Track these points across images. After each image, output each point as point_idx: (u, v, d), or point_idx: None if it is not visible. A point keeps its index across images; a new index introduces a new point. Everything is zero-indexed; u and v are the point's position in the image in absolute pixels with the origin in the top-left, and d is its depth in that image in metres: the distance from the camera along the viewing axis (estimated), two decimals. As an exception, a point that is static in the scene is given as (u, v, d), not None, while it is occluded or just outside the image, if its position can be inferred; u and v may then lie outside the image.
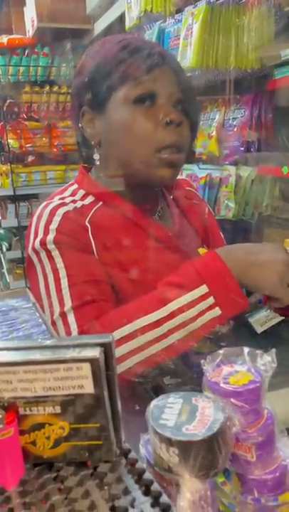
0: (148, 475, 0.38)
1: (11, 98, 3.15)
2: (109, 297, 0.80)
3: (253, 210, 1.60)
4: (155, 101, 0.81)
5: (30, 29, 3.21)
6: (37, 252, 0.82)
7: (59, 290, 0.78)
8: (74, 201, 0.88)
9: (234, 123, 1.63)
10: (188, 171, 1.80)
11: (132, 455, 0.41)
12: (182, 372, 0.68)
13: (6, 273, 3.64)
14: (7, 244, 3.50)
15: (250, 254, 0.74)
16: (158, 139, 0.80)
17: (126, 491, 0.37)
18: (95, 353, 0.37)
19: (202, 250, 0.98)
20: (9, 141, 3.14)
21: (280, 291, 0.73)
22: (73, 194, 0.91)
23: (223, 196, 1.68)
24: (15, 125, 3.19)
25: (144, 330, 0.69)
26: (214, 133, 1.70)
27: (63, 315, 0.75)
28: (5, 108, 3.17)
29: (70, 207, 0.86)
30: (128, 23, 2.06)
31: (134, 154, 0.82)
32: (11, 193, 3.20)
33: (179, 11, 1.71)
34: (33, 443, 0.40)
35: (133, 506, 0.36)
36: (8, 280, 3.56)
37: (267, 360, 0.50)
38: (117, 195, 0.89)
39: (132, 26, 2.04)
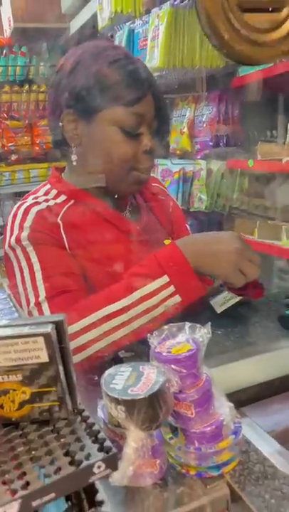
0: (97, 427, 0.47)
1: (-9, 98, 3.19)
2: (81, 287, 0.88)
3: (224, 202, 1.69)
4: (139, 129, 0.89)
5: (7, 28, 3.25)
6: (13, 249, 0.90)
7: (34, 282, 0.86)
8: (47, 200, 0.96)
9: (203, 119, 1.71)
10: (163, 166, 1.88)
11: (85, 414, 0.49)
12: (135, 346, 0.76)
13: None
14: (-7, 243, 3.56)
15: (205, 245, 0.83)
16: (135, 163, 0.90)
17: (78, 440, 0.46)
18: (48, 328, 0.45)
19: (168, 241, 1.06)
20: (-9, 141, 3.20)
21: (233, 276, 0.81)
22: (46, 193, 0.98)
23: (196, 189, 1.77)
24: (-4, 125, 3.24)
25: (111, 316, 0.77)
26: (186, 129, 1.78)
27: (38, 305, 0.82)
28: (-14, 108, 3.22)
29: (43, 205, 0.93)
30: (100, 24, 2.12)
31: (110, 171, 0.91)
32: (-5, 192, 3.27)
33: (148, 11, 1.77)
34: (1, 406, 0.48)
35: (83, 450, 0.44)
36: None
37: (203, 332, 0.58)
38: (88, 193, 0.97)
39: (104, 26, 2.10)
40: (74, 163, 0.94)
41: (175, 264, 0.80)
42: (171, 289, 0.79)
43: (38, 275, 0.86)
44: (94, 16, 2.30)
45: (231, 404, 0.59)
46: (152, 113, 0.91)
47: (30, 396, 0.48)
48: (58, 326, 0.47)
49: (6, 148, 3.22)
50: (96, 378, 0.61)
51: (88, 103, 0.87)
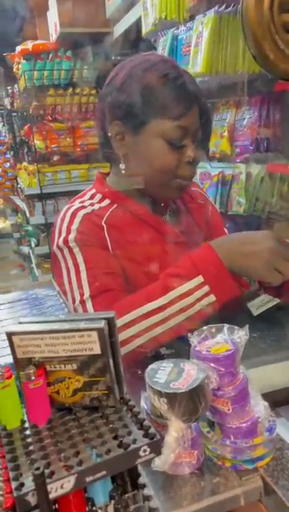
0: (142, 416, 0.51)
1: (37, 101, 3.31)
2: (122, 287, 0.93)
3: (263, 206, 1.70)
4: (183, 141, 0.92)
5: (53, 33, 3.36)
6: (61, 249, 0.96)
7: (79, 281, 0.92)
8: (92, 204, 1.02)
9: (244, 123, 1.72)
10: (202, 169, 1.91)
11: (131, 403, 0.54)
12: (176, 345, 0.80)
13: (34, 267, 3.83)
14: (35, 240, 3.69)
15: (239, 245, 0.85)
16: (178, 172, 0.94)
17: (125, 426, 0.50)
18: (101, 324, 0.50)
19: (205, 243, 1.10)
20: (35, 142, 3.32)
21: (268, 275, 0.83)
22: (92, 197, 1.04)
23: (234, 193, 1.79)
24: (40, 127, 3.36)
25: (150, 314, 0.81)
26: (226, 133, 1.80)
27: (83, 302, 0.88)
28: (31, 111, 3.34)
29: (89, 209, 0.99)
30: (144, 29, 2.17)
31: (154, 179, 0.96)
32: (38, 191, 3.38)
33: (192, 17, 1.80)
34: (57, 392, 0.53)
35: (130, 435, 0.49)
36: (36, 274, 3.75)
37: (242, 334, 0.62)
38: (130, 198, 1.02)
39: (148, 32, 2.15)
40: (122, 171, 0.98)
41: (209, 264, 0.83)
42: (206, 288, 0.82)
43: (84, 275, 0.92)
44: (138, 21, 2.35)
45: (266, 403, 0.62)
46: (197, 125, 0.94)
47: (82, 384, 0.53)
48: (110, 322, 0.52)
49: (49, 150, 3.34)
50: (139, 372, 0.66)
51: (136, 116, 0.91)
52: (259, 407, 0.62)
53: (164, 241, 1.03)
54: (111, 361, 0.52)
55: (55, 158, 3.44)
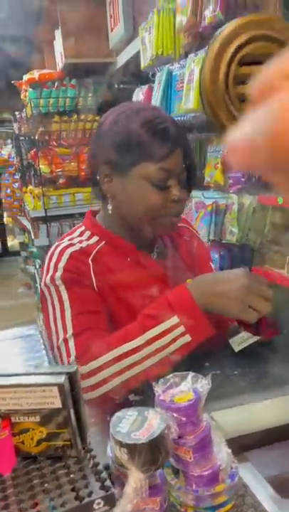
0: (101, 467, 0.54)
1: (42, 127, 3.41)
2: (106, 326, 0.96)
3: (255, 236, 1.73)
4: (168, 182, 0.96)
5: (59, 63, 3.48)
6: (47, 287, 1.00)
7: (63, 320, 0.95)
8: (80, 241, 1.06)
9: (237, 155, 1.76)
10: (196, 198, 1.95)
11: (94, 453, 0.57)
12: (146, 390, 0.83)
13: (39, 288, 3.88)
14: (40, 262, 3.75)
15: (213, 285, 0.88)
16: (165, 211, 0.98)
17: (84, 477, 0.53)
18: (61, 379, 0.53)
19: (190, 281, 1.13)
20: (41, 166, 3.40)
21: (243, 314, 0.86)
22: (80, 235, 1.08)
23: (227, 222, 1.82)
24: (46, 152, 3.45)
25: (127, 355, 0.84)
26: (219, 164, 1.84)
27: (65, 341, 0.92)
28: (37, 137, 3.44)
29: (77, 247, 1.03)
30: (143, 63, 2.25)
31: (142, 219, 0.99)
32: (43, 214, 3.45)
33: (187, 54, 1.87)
34: (22, 442, 0.57)
35: (87, 487, 0.52)
36: (40, 295, 3.79)
37: (204, 383, 0.64)
38: (118, 235, 1.06)
39: (146, 66, 2.23)
40: (110, 212, 1.03)
41: (184, 305, 0.86)
42: (181, 329, 0.85)
43: (68, 313, 0.95)
44: (138, 53, 2.44)
45: (229, 450, 0.65)
46: (181, 166, 0.98)
47: (46, 435, 0.56)
48: (71, 376, 0.55)
49: (54, 174, 3.42)
50: (108, 418, 0.68)
51: (122, 160, 0.95)
52: (222, 454, 0.64)
53: (151, 279, 1.06)
54: (72, 415, 0.55)
55: (61, 181, 3.51)
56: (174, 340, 0.84)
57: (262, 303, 0.85)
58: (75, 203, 3.47)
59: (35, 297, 4.38)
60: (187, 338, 0.85)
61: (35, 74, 3.37)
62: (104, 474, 0.53)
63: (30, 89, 3.36)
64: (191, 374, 0.66)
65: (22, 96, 3.78)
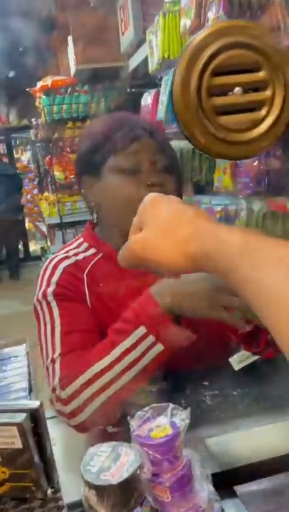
0: (65, 511, 0.51)
1: (56, 134, 3.42)
2: (96, 344, 0.93)
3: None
4: (139, 168, 0.94)
5: (72, 68, 3.48)
6: (40, 303, 0.97)
7: (53, 338, 0.92)
8: (76, 254, 1.03)
9: (245, 160, 1.70)
10: (205, 205, 1.90)
11: (59, 495, 0.53)
12: (124, 422, 0.79)
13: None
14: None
15: (180, 286, 0.81)
16: (142, 199, 0.93)
17: (46, 523, 0.50)
18: (20, 418, 0.50)
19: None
20: (56, 173, 3.42)
21: (217, 314, 0.79)
22: (78, 246, 1.06)
23: (237, 229, 1.76)
24: (60, 158, 3.46)
25: (101, 374, 0.80)
26: (228, 169, 1.79)
27: (53, 361, 0.88)
28: (51, 143, 3.46)
29: (72, 260, 1.01)
30: (150, 67, 2.22)
31: (122, 215, 0.95)
32: (58, 221, 3.47)
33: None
34: (-14, 482, 0.54)
35: (47, 535, 0.48)
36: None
37: (184, 417, 0.60)
38: (112, 245, 1.03)
39: (154, 70, 2.19)
40: (101, 222, 1.01)
41: (150, 312, 0.80)
42: (151, 338, 0.79)
43: (57, 331, 0.92)
44: (147, 58, 2.40)
45: (212, 489, 0.60)
46: (152, 152, 0.95)
47: (9, 476, 0.53)
48: (34, 414, 0.52)
49: (68, 180, 3.43)
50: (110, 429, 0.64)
51: (92, 164, 0.96)
52: (204, 493, 0.59)
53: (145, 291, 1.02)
54: (36, 455, 0.52)
55: (75, 187, 3.52)
56: (145, 351, 0.79)
57: (233, 300, 0.78)
58: (89, 209, 3.47)
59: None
60: (160, 347, 0.79)
61: (48, 81, 3.39)
62: (67, 521, 0.49)
63: (44, 96, 3.38)
64: (170, 406, 0.62)
65: (36, 103, 3.81)
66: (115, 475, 0.54)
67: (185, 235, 0.50)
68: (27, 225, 6.75)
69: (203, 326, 0.90)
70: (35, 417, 0.52)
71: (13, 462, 0.52)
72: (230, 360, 0.97)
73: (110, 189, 0.95)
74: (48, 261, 1.03)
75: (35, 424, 0.52)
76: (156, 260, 0.53)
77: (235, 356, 0.96)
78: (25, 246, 6.91)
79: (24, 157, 6.76)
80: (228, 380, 0.99)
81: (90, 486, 0.54)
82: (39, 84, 3.49)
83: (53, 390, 0.83)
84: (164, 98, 2.04)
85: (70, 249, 1.05)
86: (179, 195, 1.04)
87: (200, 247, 0.48)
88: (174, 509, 0.58)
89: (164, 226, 0.52)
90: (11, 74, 4.00)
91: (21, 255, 6.56)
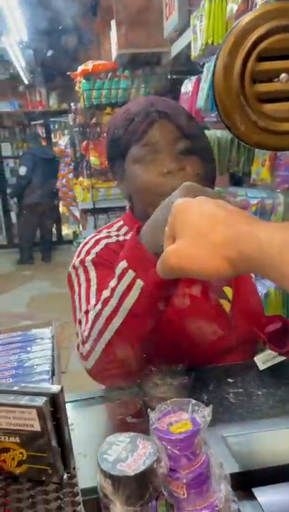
0: (79, 498, 0.50)
1: (95, 119, 3.42)
2: None
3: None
4: (156, 155, 0.93)
5: (114, 53, 3.46)
6: (75, 269, 0.97)
7: (88, 294, 0.91)
8: (117, 235, 1.03)
9: (286, 152, 1.64)
10: (241, 197, 1.85)
11: (75, 480, 0.53)
12: (144, 414, 0.77)
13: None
14: (87, 253, 3.79)
15: (152, 222, 0.80)
16: (160, 188, 0.92)
17: (59, 508, 0.50)
18: (41, 402, 0.50)
19: (227, 289, 1.06)
20: (91, 158, 3.42)
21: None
22: (118, 229, 1.06)
23: (273, 224, 1.71)
24: (97, 143, 3.46)
25: (99, 313, 0.81)
26: (267, 161, 1.73)
27: (86, 313, 0.87)
28: (88, 128, 3.46)
29: (113, 239, 1.02)
30: (194, 53, 2.16)
31: (144, 202, 0.96)
32: (91, 206, 3.48)
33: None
34: (4, 461, 0.54)
35: (60, 520, 0.48)
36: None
37: (206, 413, 0.58)
38: None
39: (196, 56, 2.14)
40: (136, 209, 1.02)
41: (131, 247, 0.80)
42: (131, 273, 0.78)
43: (93, 289, 0.92)
44: (190, 44, 2.35)
45: (230, 489, 0.58)
46: (168, 137, 0.93)
47: (26, 457, 0.53)
48: (54, 398, 0.52)
49: (103, 166, 3.42)
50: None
51: (118, 153, 0.98)
52: (221, 493, 0.58)
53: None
54: (53, 439, 0.52)
55: (109, 174, 3.51)
56: (128, 287, 0.78)
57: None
58: (122, 196, 3.46)
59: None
60: (140, 283, 0.77)
61: (89, 65, 3.37)
62: (80, 507, 0.49)
63: (84, 81, 3.37)
64: (192, 402, 0.61)
65: (76, 87, 3.81)
66: (132, 466, 0.53)
67: (220, 239, 0.48)
68: (61, 208, 6.83)
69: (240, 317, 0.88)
70: (55, 402, 0.52)
71: (31, 444, 0.52)
72: (255, 359, 0.95)
73: (135, 180, 0.96)
74: (89, 237, 1.04)
75: (55, 408, 0.52)
76: (194, 269, 0.50)
77: (260, 355, 0.94)
78: (58, 230, 7.00)
79: (62, 141, 6.80)
80: (253, 379, 0.97)
81: (106, 475, 0.53)
82: (80, 68, 3.49)
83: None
84: (204, 85, 1.99)
85: (111, 231, 1.05)
86: (211, 178, 1.01)
87: (239, 251, 0.46)
88: (189, 506, 0.56)
89: (197, 233, 0.50)
90: (49, 53, 4.00)
91: (54, 238, 6.66)
